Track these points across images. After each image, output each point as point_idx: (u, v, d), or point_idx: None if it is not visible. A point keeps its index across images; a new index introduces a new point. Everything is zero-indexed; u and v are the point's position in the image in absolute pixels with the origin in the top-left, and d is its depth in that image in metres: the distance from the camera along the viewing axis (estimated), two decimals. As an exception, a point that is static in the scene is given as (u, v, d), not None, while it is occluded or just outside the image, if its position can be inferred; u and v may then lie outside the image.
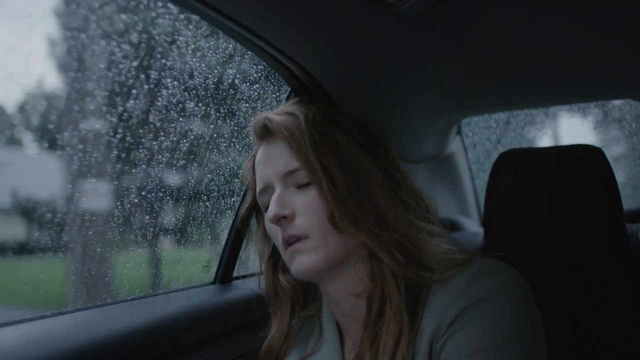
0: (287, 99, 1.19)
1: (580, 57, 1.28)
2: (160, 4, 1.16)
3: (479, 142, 2.17)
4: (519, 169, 1.22)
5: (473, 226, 1.89)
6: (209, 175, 1.29)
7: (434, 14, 0.98)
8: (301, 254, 0.77)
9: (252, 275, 1.39)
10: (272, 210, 0.77)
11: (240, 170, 0.98)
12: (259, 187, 0.84)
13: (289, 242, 0.78)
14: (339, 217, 0.74)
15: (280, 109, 0.86)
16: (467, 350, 0.67)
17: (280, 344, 0.91)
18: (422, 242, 0.76)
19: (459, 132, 2.04)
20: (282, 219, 0.77)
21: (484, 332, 0.67)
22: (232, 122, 1.30)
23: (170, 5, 1.17)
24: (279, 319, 0.92)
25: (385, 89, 1.26)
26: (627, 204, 1.52)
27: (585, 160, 1.17)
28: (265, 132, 0.84)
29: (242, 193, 1.28)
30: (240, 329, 1.13)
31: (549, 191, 1.18)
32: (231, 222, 1.27)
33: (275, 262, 0.92)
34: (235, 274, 1.30)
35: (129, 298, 1.05)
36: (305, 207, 0.77)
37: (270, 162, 0.81)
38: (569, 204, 1.17)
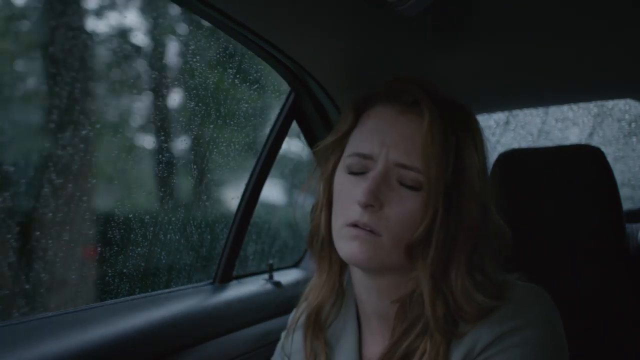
0: (287, 98, 1.19)
1: (581, 57, 1.28)
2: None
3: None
4: (518, 168, 1.22)
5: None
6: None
7: (434, 13, 0.99)
8: (361, 243, 0.69)
9: (252, 274, 1.39)
10: (365, 195, 0.68)
11: None
12: (361, 149, 0.72)
13: (358, 225, 0.69)
14: (416, 248, 0.68)
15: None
16: None
17: (330, 300, 0.80)
18: (466, 298, 0.68)
19: (458, 132, 2.03)
20: (368, 207, 0.68)
21: None
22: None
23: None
24: (322, 270, 0.81)
25: (385, 88, 1.26)
26: (627, 204, 1.52)
27: (585, 160, 1.17)
28: (406, 106, 0.71)
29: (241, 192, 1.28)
30: (239, 328, 1.13)
31: (549, 191, 1.18)
32: (231, 221, 1.27)
33: (328, 212, 0.78)
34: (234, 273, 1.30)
35: (129, 298, 1.05)
36: (397, 211, 0.69)
37: (389, 141, 0.70)
38: (569, 203, 1.16)
